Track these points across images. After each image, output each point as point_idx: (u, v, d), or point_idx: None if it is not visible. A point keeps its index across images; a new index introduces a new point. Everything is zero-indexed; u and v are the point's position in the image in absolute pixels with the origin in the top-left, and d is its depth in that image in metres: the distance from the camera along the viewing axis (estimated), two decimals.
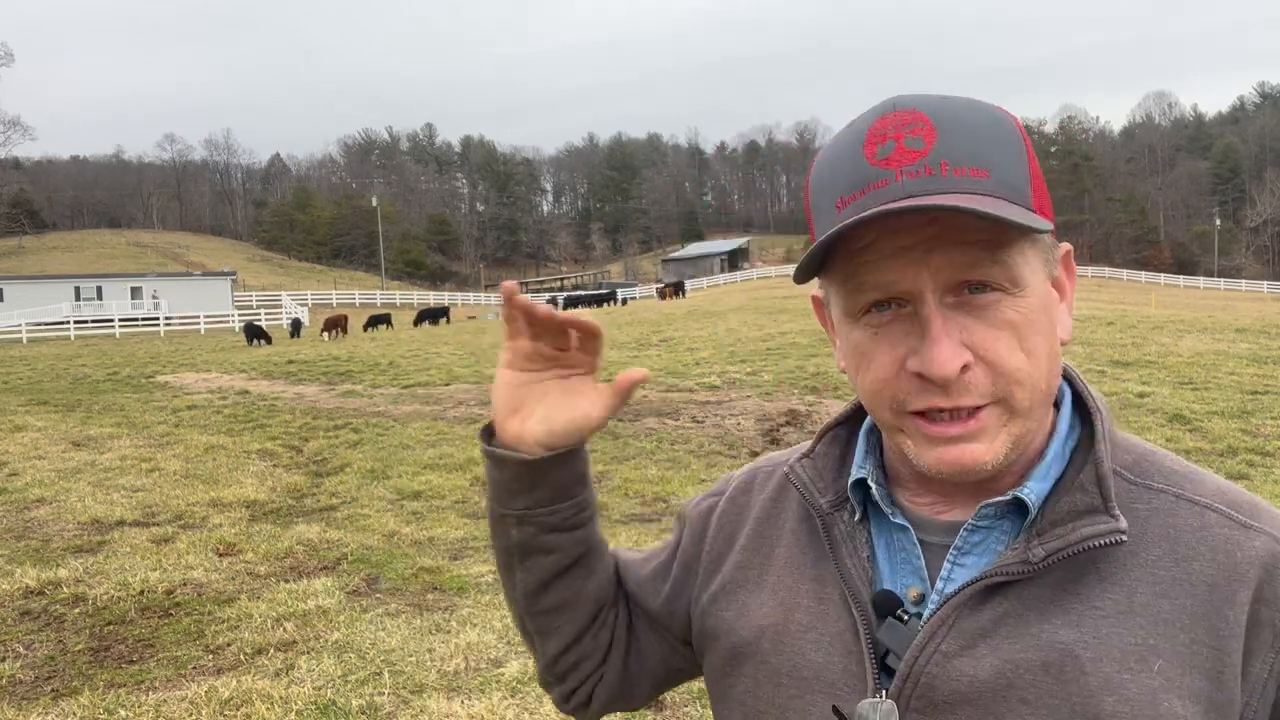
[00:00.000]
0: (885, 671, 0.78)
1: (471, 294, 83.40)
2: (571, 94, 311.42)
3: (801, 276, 0.76)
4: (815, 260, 0.73)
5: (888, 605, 0.79)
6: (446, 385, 15.67)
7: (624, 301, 52.83)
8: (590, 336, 0.86)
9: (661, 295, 56.72)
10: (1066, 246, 0.79)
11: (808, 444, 0.94)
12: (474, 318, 49.70)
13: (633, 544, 6.17)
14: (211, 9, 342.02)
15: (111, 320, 48.31)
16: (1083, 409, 0.83)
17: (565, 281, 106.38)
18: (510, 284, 0.83)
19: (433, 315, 44.57)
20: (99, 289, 56.50)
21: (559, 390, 0.88)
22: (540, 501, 0.90)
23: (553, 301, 54.76)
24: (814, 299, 0.86)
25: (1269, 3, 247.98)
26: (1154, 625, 0.72)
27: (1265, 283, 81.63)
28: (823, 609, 0.83)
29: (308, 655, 4.45)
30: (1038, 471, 0.77)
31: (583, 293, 64.81)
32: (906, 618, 0.78)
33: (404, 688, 4.11)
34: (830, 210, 0.74)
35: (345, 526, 7.02)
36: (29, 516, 7.50)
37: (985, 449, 0.73)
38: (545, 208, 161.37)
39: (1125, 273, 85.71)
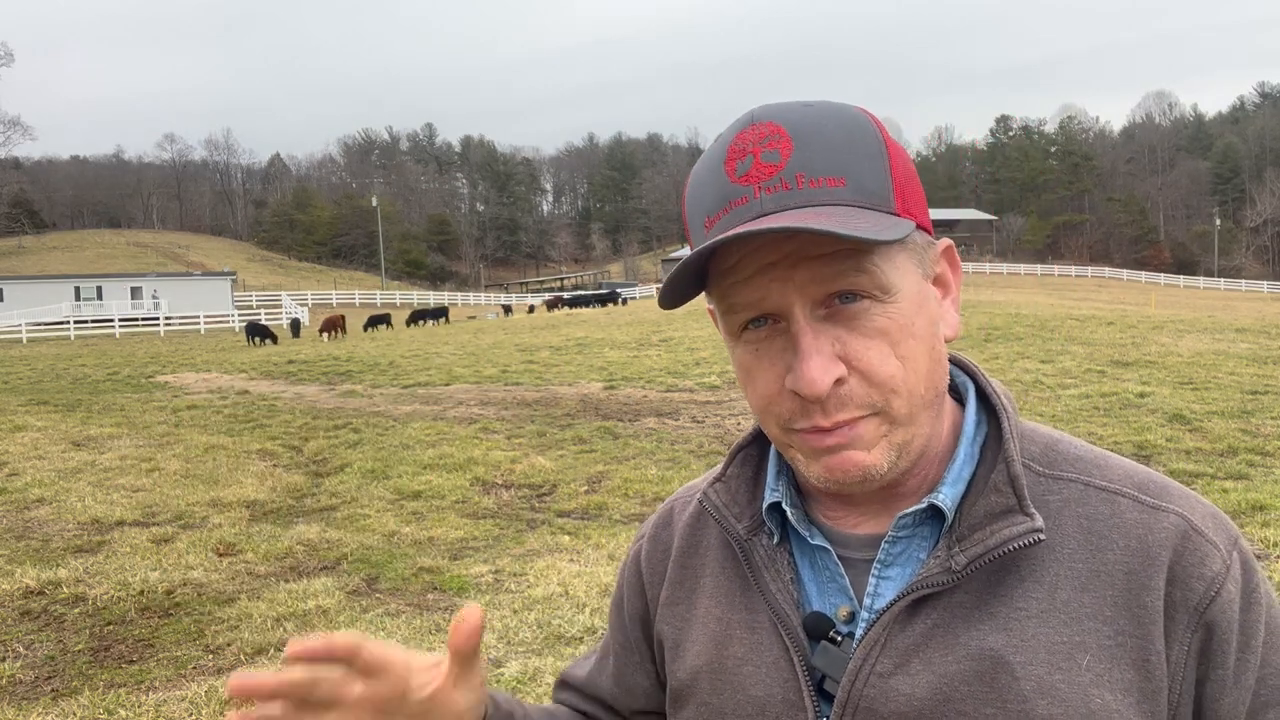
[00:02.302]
0: (824, 697, 0.77)
1: (471, 294, 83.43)
2: (571, 94, 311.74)
3: (668, 303, 0.75)
4: (677, 288, 0.73)
5: (819, 628, 0.77)
6: (446, 385, 15.67)
7: (623, 301, 52.83)
8: (382, 670, 0.70)
9: None
10: (946, 242, 0.78)
11: (719, 467, 0.91)
12: (474, 317, 49.72)
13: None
14: (212, 9, 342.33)
15: (111, 320, 48.34)
16: (987, 403, 0.82)
17: (565, 281, 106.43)
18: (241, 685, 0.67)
19: (429, 315, 44.76)
20: (99, 289, 56.53)
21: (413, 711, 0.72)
22: None
23: (557, 300, 54.75)
24: (710, 311, 0.83)
25: (1269, 3, 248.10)
26: (1078, 621, 0.71)
27: (1265, 283, 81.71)
28: (756, 639, 0.81)
29: None
30: (949, 475, 0.77)
31: (585, 293, 64.74)
32: (839, 639, 0.77)
33: None
34: (700, 229, 0.74)
35: (345, 526, 7.02)
36: (29, 516, 7.50)
37: (865, 455, 0.72)
38: (545, 208, 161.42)
39: (1125, 273, 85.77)
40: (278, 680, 0.67)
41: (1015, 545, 0.72)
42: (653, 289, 70.51)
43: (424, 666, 0.72)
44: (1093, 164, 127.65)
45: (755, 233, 0.66)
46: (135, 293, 57.16)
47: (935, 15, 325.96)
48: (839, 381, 0.70)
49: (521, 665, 4.25)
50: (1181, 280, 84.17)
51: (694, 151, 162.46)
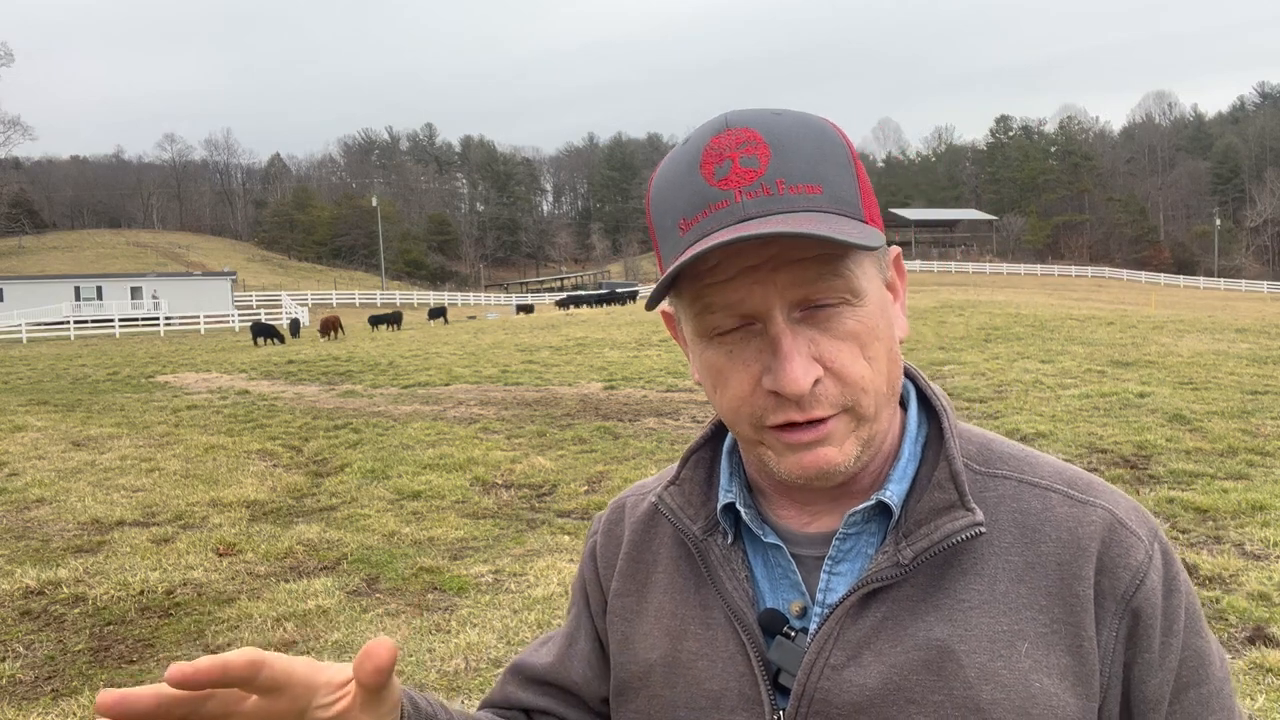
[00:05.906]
0: (781, 691, 0.79)
1: (471, 294, 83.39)
2: (571, 94, 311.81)
3: (654, 305, 0.78)
4: (666, 287, 0.75)
5: (774, 623, 0.80)
6: (446, 385, 15.67)
7: (623, 301, 52.80)
8: (249, 679, 0.64)
9: None
10: (896, 250, 0.82)
11: (673, 470, 0.94)
12: (474, 318, 49.67)
13: None
14: (212, 9, 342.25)
15: (111, 320, 48.35)
16: (927, 405, 0.86)
17: (565, 281, 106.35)
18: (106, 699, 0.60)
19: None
20: (99, 289, 56.52)
21: None
22: None
23: (569, 300, 54.36)
24: (665, 315, 0.86)
25: (1268, 3, 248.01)
26: (1016, 610, 0.75)
27: (1265, 283, 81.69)
28: (711, 634, 0.84)
29: (308, 655, 4.45)
30: (895, 473, 0.80)
31: (594, 292, 64.51)
32: (794, 634, 0.79)
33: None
34: (674, 231, 0.76)
35: (345, 526, 7.02)
36: (29, 516, 7.50)
37: (837, 452, 0.75)
38: (545, 208, 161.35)
39: (1125, 273, 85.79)
40: (156, 695, 0.61)
41: (958, 539, 0.76)
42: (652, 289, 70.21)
43: (331, 684, 0.70)
44: (1093, 164, 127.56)
45: (769, 235, 0.67)
46: (135, 293, 57.15)
47: (935, 15, 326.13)
48: (815, 381, 0.73)
49: None
50: (1181, 280, 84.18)
51: None
